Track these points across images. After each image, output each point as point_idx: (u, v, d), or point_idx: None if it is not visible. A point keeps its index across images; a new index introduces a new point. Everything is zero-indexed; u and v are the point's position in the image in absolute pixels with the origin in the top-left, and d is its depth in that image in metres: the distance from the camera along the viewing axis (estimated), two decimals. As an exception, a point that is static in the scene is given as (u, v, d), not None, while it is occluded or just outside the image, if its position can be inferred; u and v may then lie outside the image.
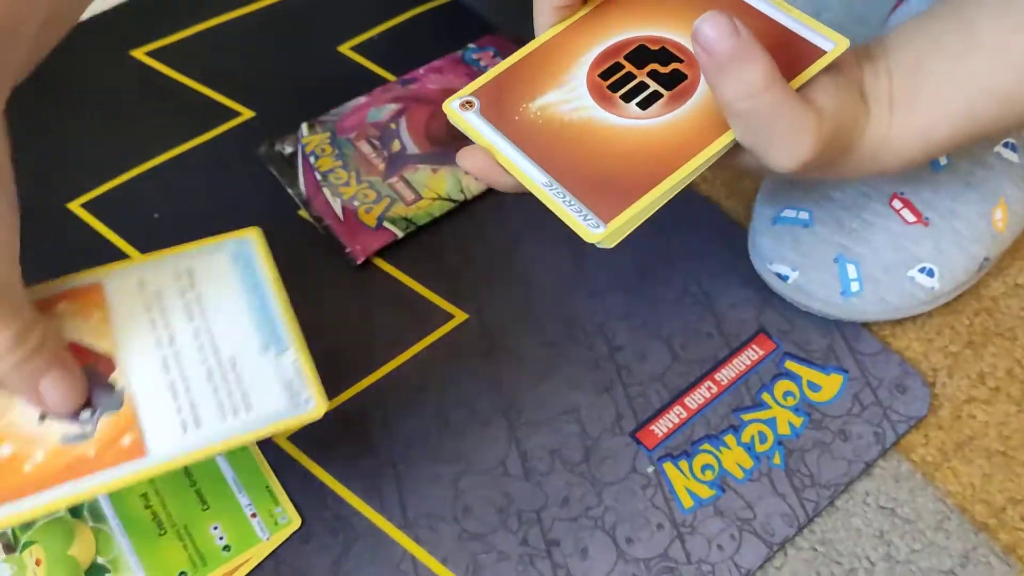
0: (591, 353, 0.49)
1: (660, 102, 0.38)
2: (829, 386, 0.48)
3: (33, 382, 0.35)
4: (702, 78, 0.38)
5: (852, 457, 0.45)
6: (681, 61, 0.39)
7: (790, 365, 0.48)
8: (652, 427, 0.46)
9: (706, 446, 0.46)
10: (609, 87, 0.39)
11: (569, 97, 0.39)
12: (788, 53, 0.37)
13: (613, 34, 0.41)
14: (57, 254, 0.52)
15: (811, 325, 0.49)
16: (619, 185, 0.36)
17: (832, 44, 0.37)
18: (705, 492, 0.44)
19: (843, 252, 0.48)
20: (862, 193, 0.48)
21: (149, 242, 0.52)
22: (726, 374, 0.48)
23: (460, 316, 0.50)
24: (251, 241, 0.42)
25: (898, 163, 0.40)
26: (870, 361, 0.48)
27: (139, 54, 0.61)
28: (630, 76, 0.39)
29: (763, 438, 0.46)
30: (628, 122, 0.38)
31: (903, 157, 0.40)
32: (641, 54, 0.40)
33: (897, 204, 0.48)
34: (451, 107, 0.39)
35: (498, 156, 0.38)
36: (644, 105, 0.39)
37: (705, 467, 0.45)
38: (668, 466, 0.45)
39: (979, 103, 0.39)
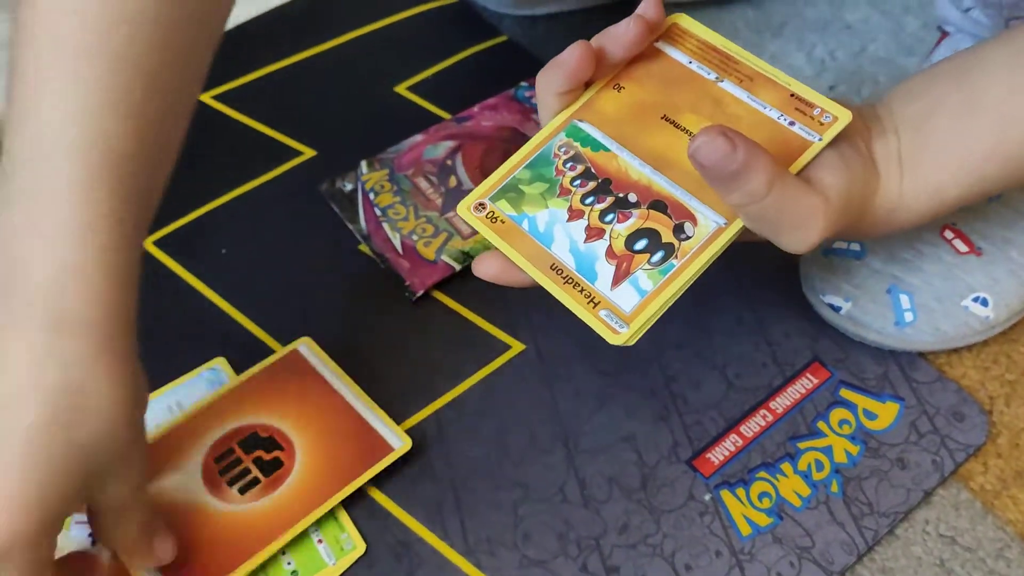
0: (646, 382, 0.49)
1: (256, 488, 0.44)
2: (885, 414, 0.48)
3: (151, 547, 0.41)
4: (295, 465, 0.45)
5: (911, 485, 0.45)
6: (282, 449, 0.45)
7: (845, 393, 0.49)
8: (708, 455, 0.47)
9: (763, 474, 0.46)
10: (219, 472, 0.45)
11: (184, 480, 0.45)
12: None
13: (232, 421, 0.47)
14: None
15: (866, 353, 0.50)
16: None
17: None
18: (763, 520, 0.45)
19: (896, 283, 0.48)
20: (914, 223, 0.49)
21: (217, 277, 0.54)
22: (781, 402, 0.48)
23: (517, 346, 0.51)
24: (219, 368, 0.51)
25: (913, 220, 0.40)
26: (926, 389, 0.49)
27: (206, 98, 0.63)
28: (238, 461, 0.44)
29: (820, 466, 0.46)
30: (227, 507, 0.44)
31: (917, 214, 0.40)
32: (252, 440, 0.45)
33: (949, 235, 0.49)
34: None
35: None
36: (243, 490, 0.44)
37: (762, 495, 0.45)
38: (725, 494, 0.45)
39: (986, 164, 0.39)
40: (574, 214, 0.39)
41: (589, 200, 0.39)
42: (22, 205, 0.36)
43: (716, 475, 0.46)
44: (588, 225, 0.39)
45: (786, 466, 0.46)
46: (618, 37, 0.39)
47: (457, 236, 0.55)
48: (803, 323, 0.51)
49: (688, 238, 0.37)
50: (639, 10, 0.40)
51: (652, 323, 0.37)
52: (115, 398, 0.36)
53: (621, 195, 0.39)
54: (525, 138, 0.60)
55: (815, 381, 0.49)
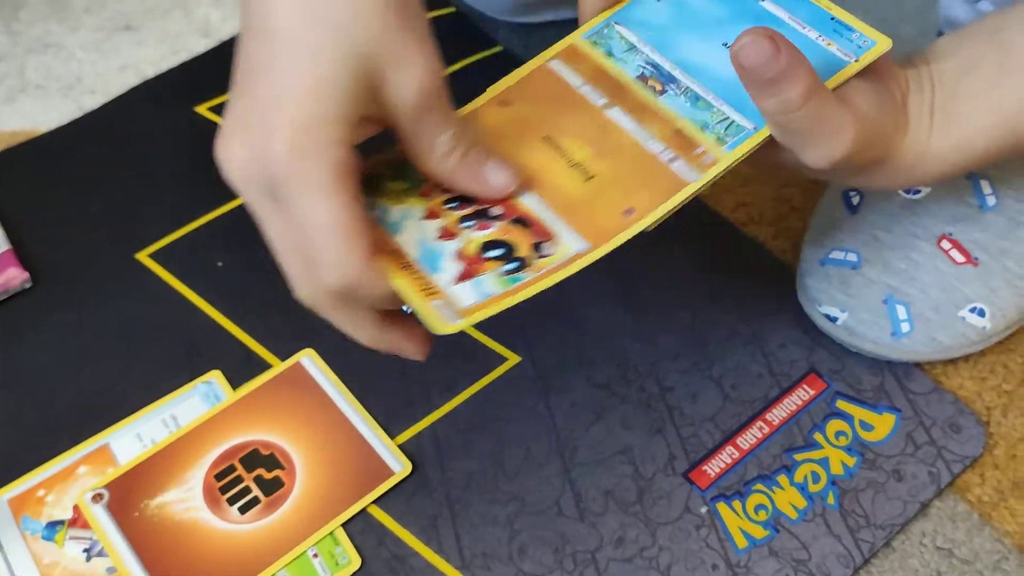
0: (642, 394, 0.49)
1: (257, 508, 0.44)
2: (882, 426, 0.48)
3: (479, 169, 0.38)
4: (296, 484, 0.44)
5: (907, 497, 0.45)
6: (283, 468, 0.44)
7: (842, 405, 0.48)
8: (705, 467, 0.47)
9: (759, 486, 0.46)
10: (220, 489, 0.44)
11: (185, 496, 0.44)
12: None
13: (234, 436, 0.47)
14: (128, 303, 0.54)
15: (862, 364, 0.50)
16: None
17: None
18: (759, 532, 0.45)
19: (892, 293, 0.48)
20: (910, 234, 0.49)
21: (213, 290, 0.54)
22: (777, 414, 0.48)
23: (513, 359, 0.51)
24: (215, 381, 0.50)
25: (935, 173, 0.41)
26: (923, 400, 0.48)
27: (202, 110, 0.63)
28: (239, 479, 0.44)
29: (816, 478, 0.46)
30: (227, 526, 0.44)
31: (940, 168, 0.41)
32: (253, 457, 0.45)
33: (946, 245, 0.48)
34: (82, 499, 0.44)
35: (113, 556, 0.41)
36: (244, 510, 0.44)
37: (759, 507, 0.45)
38: (721, 506, 0.45)
39: (1016, 119, 0.40)
40: (431, 214, 0.38)
41: (451, 205, 0.38)
42: None
43: (712, 488, 0.46)
44: (444, 226, 0.38)
45: (782, 478, 0.46)
46: None
47: (453, 247, 0.55)
48: (799, 334, 0.51)
49: (544, 256, 0.36)
50: None
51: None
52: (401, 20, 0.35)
53: (485, 207, 0.38)
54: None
55: (811, 392, 0.49)
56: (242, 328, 0.53)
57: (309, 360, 0.51)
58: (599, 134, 0.39)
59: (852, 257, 0.49)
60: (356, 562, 0.44)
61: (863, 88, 0.38)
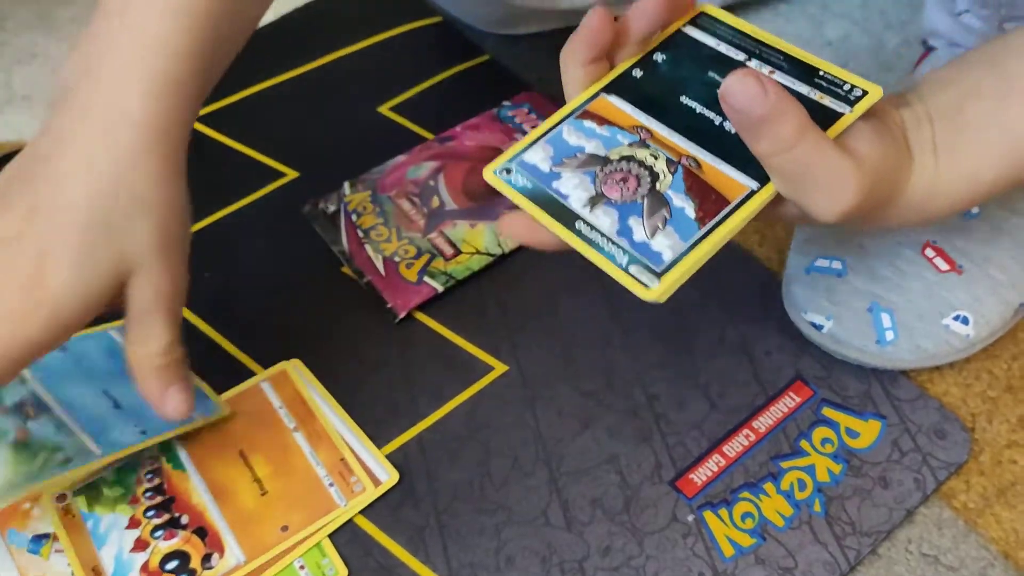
0: (629, 402, 0.49)
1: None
2: (867, 432, 0.48)
3: (166, 385, 0.42)
4: None
5: (893, 504, 0.45)
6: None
7: (828, 412, 0.49)
8: (691, 475, 0.47)
9: (746, 494, 0.46)
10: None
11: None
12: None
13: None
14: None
15: (848, 371, 0.50)
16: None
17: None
18: (746, 540, 0.45)
19: (877, 301, 0.48)
20: (895, 242, 0.49)
21: (199, 300, 0.54)
22: (764, 421, 0.48)
23: (500, 368, 0.51)
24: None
25: (945, 209, 0.40)
26: (908, 407, 0.49)
27: (189, 119, 0.63)
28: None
29: (803, 485, 0.46)
30: None
31: (950, 203, 0.39)
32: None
33: (930, 253, 0.49)
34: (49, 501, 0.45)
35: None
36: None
37: (745, 515, 0.45)
38: (708, 515, 0.45)
39: (1022, 146, 0.39)
40: (133, 523, 0.45)
41: (150, 514, 0.45)
42: (110, 20, 0.40)
43: (699, 496, 0.46)
44: (139, 537, 0.45)
45: (769, 486, 0.46)
46: (639, 8, 0.40)
47: (440, 257, 0.55)
48: (785, 341, 0.51)
49: (209, 569, 0.44)
50: None
51: (683, 281, 0.37)
52: (159, 195, 0.39)
53: (177, 515, 0.45)
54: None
55: (797, 399, 0.49)
56: (227, 338, 0.53)
57: (296, 369, 0.51)
58: (281, 454, 0.47)
59: (837, 265, 0.50)
60: (343, 573, 0.44)
61: (862, 130, 0.37)
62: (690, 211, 0.37)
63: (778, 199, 0.37)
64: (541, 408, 0.49)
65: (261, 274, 0.56)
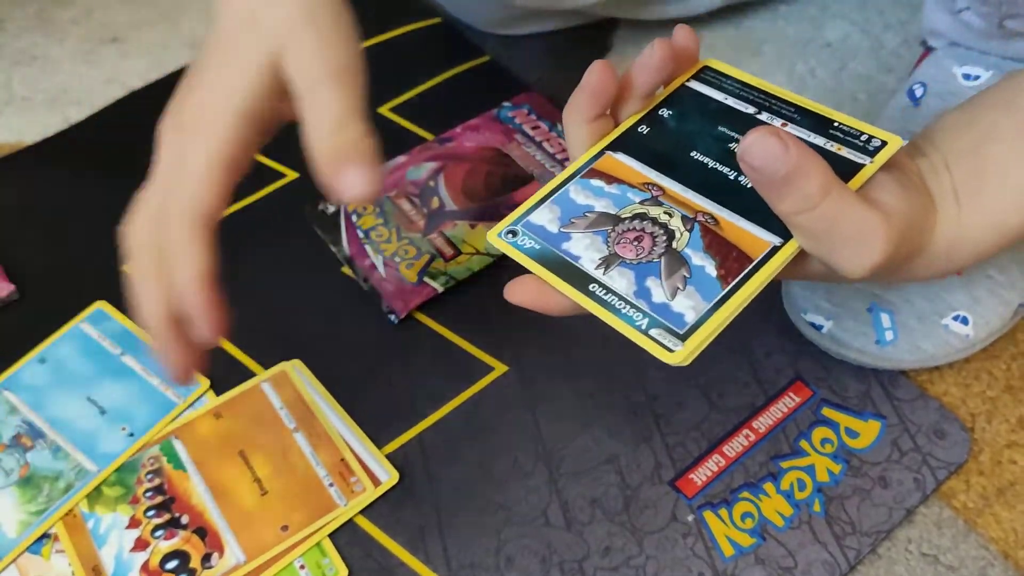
0: (629, 403, 0.49)
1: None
2: (867, 433, 0.48)
3: (339, 166, 0.38)
4: None
5: (893, 504, 0.45)
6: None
7: (827, 412, 0.49)
8: (691, 476, 0.47)
9: (745, 494, 0.46)
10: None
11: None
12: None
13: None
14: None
15: (848, 372, 0.50)
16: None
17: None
18: (746, 540, 0.45)
19: (876, 301, 0.48)
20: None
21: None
22: (763, 422, 0.48)
23: (500, 368, 0.51)
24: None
25: (972, 257, 0.38)
26: (908, 407, 0.49)
27: (189, 120, 0.63)
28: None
29: (802, 485, 0.46)
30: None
31: (977, 250, 0.38)
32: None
33: (929, 252, 0.49)
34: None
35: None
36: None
37: (745, 515, 0.45)
38: (708, 515, 0.45)
39: None
40: (134, 523, 0.45)
41: (150, 513, 0.46)
42: None
43: (699, 496, 0.46)
44: (139, 536, 0.45)
45: (768, 486, 0.46)
46: (643, 62, 0.38)
47: (440, 258, 0.55)
48: (784, 342, 0.51)
49: (209, 568, 0.44)
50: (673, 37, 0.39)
51: (708, 343, 0.35)
52: None
53: (177, 515, 0.45)
54: (507, 158, 0.60)
55: (797, 400, 0.49)
56: (228, 339, 0.53)
57: (297, 370, 0.51)
58: (281, 456, 0.47)
59: (836, 265, 0.50)
60: (343, 573, 0.44)
61: (884, 182, 0.35)
62: (711, 269, 0.35)
63: (802, 254, 0.36)
64: (541, 408, 0.49)
65: (260, 275, 0.56)
